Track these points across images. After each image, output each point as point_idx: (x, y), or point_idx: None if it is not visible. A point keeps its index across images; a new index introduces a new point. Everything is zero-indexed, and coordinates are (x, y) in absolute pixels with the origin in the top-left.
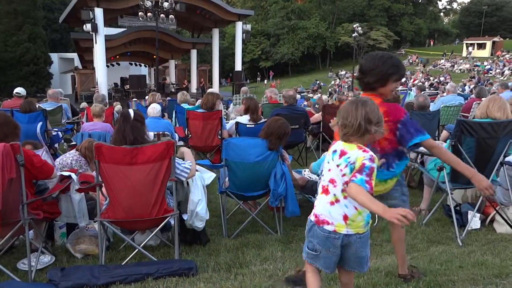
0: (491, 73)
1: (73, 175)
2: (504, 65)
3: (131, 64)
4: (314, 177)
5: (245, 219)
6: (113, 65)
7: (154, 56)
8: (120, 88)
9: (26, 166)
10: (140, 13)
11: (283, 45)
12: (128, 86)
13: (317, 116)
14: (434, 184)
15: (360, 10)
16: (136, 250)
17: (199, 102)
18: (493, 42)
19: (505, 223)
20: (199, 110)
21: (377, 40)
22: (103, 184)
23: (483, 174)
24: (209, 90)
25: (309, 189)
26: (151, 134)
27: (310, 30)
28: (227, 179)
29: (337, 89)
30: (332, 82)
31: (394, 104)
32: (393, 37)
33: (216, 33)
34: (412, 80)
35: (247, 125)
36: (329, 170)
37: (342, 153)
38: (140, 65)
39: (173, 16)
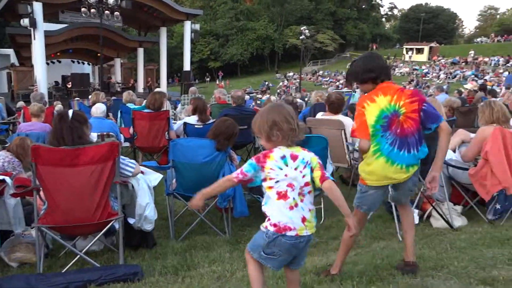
0: (428, 77)
1: (7, 179)
2: (440, 69)
3: (74, 62)
4: None
5: (193, 221)
6: (53, 63)
7: (99, 54)
8: (61, 87)
9: None
10: (83, 9)
11: (232, 46)
12: (70, 85)
13: None
14: None
15: (307, 13)
16: (78, 256)
17: (146, 102)
18: (430, 48)
19: (441, 218)
20: (145, 110)
21: (324, 43)
22: (41, 188)
23: (420, 172)
24: (156, 89)
25: (257, 188)
26: (94, 135)
27: (258, 31)
28: (174, 180)
29: (286, 90)
30: (280, 84)
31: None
32: (339, 40)
33: (164, 32)
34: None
35: (195, 126)
36: (286, 175)
37: (294, 157)
38: (83, 63)
39: (118, 13)
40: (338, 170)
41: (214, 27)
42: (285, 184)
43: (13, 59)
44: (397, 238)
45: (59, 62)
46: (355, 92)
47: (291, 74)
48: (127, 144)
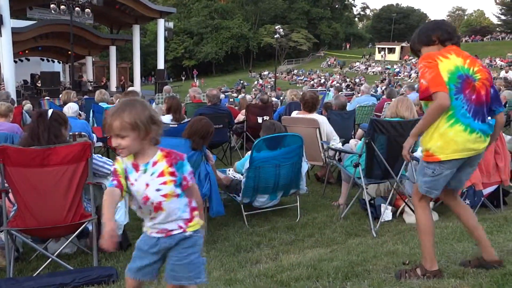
0: (400, 76)
1: None
2: (411, 69)
3: (43, 60)
4: (238, 176)
5: None
6: (21, 61)
7: (69, 52)
8: (30, 86)
9: None
10: (52, 5)
11: (207, 44)
12: (39, 84)
13: (240, 116)
14: (351, 179)
15: (282, 12)
16: (50, 259)
17: (118, 101)
18: (402, 47)
19: (413, 214)
20: None
21: (298, 42)
22: (9, 190)
23: (393, 169)
24: (130, 88)
25: (234, 188)
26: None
27: (233, 30)
28: None
29: (261, 89)
30: (256, 82)
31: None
32: (313, 40)
33: (136, 29)
34: (330, 81)
35: (170, 125)
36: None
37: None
38: (53, 61)
39: (89, 10)
40: (313, 169)
41: (188, 25)
42: None
43: None
44: (371, 234)
45: (28, 60)
46: (329, 91)
47: (266, 73)
48: (100, 144)
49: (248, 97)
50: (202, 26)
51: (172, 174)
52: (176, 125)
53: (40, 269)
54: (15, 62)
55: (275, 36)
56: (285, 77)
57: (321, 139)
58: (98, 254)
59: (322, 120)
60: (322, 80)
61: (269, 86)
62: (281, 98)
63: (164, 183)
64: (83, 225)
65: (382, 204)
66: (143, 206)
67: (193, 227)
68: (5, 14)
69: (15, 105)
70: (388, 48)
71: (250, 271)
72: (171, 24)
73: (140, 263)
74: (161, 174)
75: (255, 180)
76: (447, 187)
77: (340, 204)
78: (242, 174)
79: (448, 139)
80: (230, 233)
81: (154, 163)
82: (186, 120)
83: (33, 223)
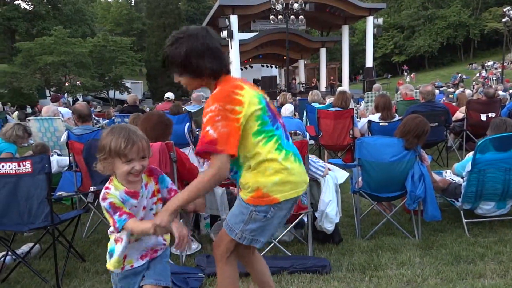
0: None
1: None
2: None
3: (263, 66)
4: (457, 179)
5: (379, 220)
6: (246, 68)
7: (285, 57)
8: None
9: (177, 165)
10: (271, 17)
11: (419, 37)
12: (260, 87)
13: (459, 113)
14: None
15: None
16: (272, 244)
17: (329, 100)
18: None
19: None
20: (330, 109)
21: None
22: None
23: None
24: (340, 88)
25: (452, 192)
26: None
27: (450, 18)
28: (360, 178)
29: (484, 82)
30: (477, 75)
31: None
32: None
33: (345, 30)
34: None
35: (380, 124)
36: None
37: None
38: (271, 66)
39: (302, 17)
40: None
41: (398, 20)
42: None
43: None
44: None
45: (251, 67)
46: None
47: (490, 63)
48: (312, 142)
49: (467, 91)
50: (414, 18)
51: (158, 191)
52: (386, 124)
53: (264, 251)
54: (241, 69)
55: (503, 20)
56: None
57: None
58: (313, 245)
59: None
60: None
61: (495, 78)
62: (511, 91)
63: (155, 202)
64: (300, 217)
65: None
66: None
67: None
68: (234, 29)
69: None
70: None
71: (472, 285)
72: (380, 21)
73: None
74: (153, 194)
75: (479, 184)
76: None
77: None
78: (461, 177)
79: (286, 174)
80: (447, 241)
81: (146, 185)
82: (397, 118)
83: None
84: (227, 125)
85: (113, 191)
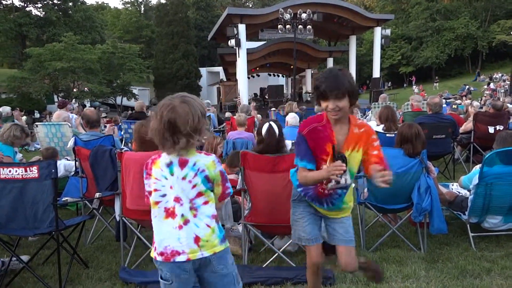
0: None
1: None
2: None
3: (270, 75)
4: (464, 192)
5: (385, 232)
6: (253, 77)
7: (292, 66)
8: (259, 98)
9: None
10: (279, 26)
11: (426, 49)
12: (267, 96)
13: (467, 125)
14: None
15: None
16: (276, 254)
17: None
18: None
19: None
20: None
21: None
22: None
23: None
24: None
25: (458, 205)
26: (289, 143)
27: (458, 30)
28: (365, 189)
29: (492, 94)
30: (485, 87)
31: None
32: None
33: (353, 40)
34: None
35: (387, 135)
36: (171, 187)
37: (182, 163)
38: (278, 75)
39: (310, 27)
40: None
41: (406, 31)
42: (172, 199)
43: (222, 76)
44: None
45: (258, 76)
46: None
47: (498, 75)
48: None
49: (475, 103)
50: (422, 29)
51: None
52: (392, 135)
53: (268, 261)
54: (248, 78)
55: None
56: None
57: None
58: None
59: None
60: None
61: (503, 91)
62: None
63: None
64: None
65: None
66: None
67: None
68: (242, 38)
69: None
70: None
71: None
72: (388, 31)
73: None
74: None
75: (486, 198)
76: None
77: None
78: (468, 190)
79: None
80: (453, 254)
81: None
82: None
83: (263, 219)
84: None
85: None
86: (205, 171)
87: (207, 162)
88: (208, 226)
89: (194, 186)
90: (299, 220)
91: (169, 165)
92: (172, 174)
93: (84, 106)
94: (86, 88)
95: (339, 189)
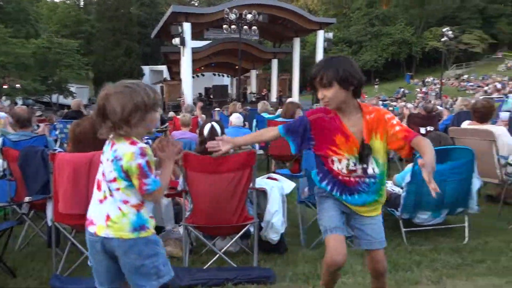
0: None
1: None
2: None
3: (215, 75)
4: (397, 189)
5: None
6: (198, 76)
7: (237, 67)
8: (204, 98)
9: None
10: (224, 26)
11: (366, 52)
12: (212, 96)
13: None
14: None
15: (451, 13)
16: (217, 255)
17: (279, 111)
18: None
19: None
20: (278, 119)
21: (470, 44)
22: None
23: None
24: (289, 99)
25: (392, 202)
26: None
27: (395, 35)
28: (306, 189)
29: (424, 97)
30: (418, 90)
31: None
32: (488, 40)
33: (297, 42)
34: (510, 86)
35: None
36: (102, 162)
37: (112, 145)
38: (223, 75)
39: (255, 27)
40: (486, 186)
41: (347, 34)
42: (101, 173)
43: (165, 74)
44: None
45: (203, 75)
46: (508, 97)
47: (430, 79)
48: (261, 152)
49: (409, 105)
50: (362, 34)
51: None
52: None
53: (209, 263)
54: (193, 77)
55: (442, 39)
56: (452, 84)
57: (498, 153)
58: (258, 255)
59: (501, 131)
60: (499, 86)
61: (434, 94)
62: (448, 106)
63: None
64: (246, 227)
65: None
66: None
67: None
68: (187, 37)
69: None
70: None
71: None
72: (330, 35)
73: None
74: None
75: (417, 195)
76: None
77: None
78: (401, 188)
79: None
80: (387, 250)
81: None
82: None
83: (205, 221)
84: None
85: (149, 148)
86: (121, 160)
87: (126, 151)
88: (120, 209)
89: (111, 170)
90: (326, 209)
91: (108, 143)
92: (104, 152)
93: (16, 104)
94: (18, 85)
95: (367, 178)
